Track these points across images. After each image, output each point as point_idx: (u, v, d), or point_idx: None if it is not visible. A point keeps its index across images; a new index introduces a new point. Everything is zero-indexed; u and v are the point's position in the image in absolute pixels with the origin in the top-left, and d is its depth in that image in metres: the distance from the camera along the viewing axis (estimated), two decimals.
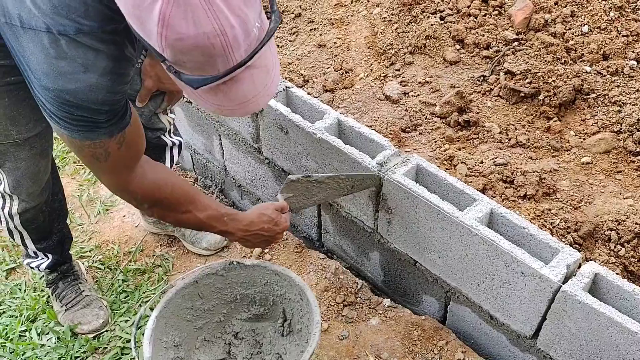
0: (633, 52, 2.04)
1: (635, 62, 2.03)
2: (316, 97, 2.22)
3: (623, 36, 2.07)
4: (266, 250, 2.07)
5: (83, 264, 2.13)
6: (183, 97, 1.84)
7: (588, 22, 2.11)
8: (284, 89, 1.95)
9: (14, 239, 1.81)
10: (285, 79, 2.34)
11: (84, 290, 1.96)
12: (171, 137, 1.96)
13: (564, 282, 1.40)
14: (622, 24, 2.08)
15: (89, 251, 2.21)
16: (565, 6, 2.15)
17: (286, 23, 2.69)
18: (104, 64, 1.08)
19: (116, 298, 2.01)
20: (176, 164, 2.54)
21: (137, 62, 1.61)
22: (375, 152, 1.74)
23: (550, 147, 1.99)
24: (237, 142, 2.22)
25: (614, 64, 2.03)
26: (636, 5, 2.10)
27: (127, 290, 2.04)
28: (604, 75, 2.03)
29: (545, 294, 1.43)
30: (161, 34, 0.90)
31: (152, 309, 1.55)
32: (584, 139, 1.98)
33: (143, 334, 1.49)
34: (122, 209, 2.37)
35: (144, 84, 1.67)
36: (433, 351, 1.67)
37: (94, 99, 1.10)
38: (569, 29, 2.13)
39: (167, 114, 1.86)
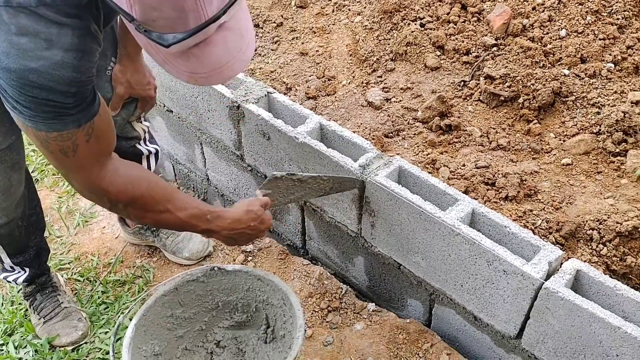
0: (610, 54, 2.07)
1: (612, 65, 2.06)
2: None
3: (600, 39, 2.10)
4: (249, 258, 2.04)
5: (62, 276, 2.09)
6: (156, 103, 1.82)
7: (565, 26, 2.14)
8: (265, 95, 1.95)
9: None
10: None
11: (62, 302, 1.91)
12: (147, 146, 1.93)
13: (546, 279, 1.40)
14: (598, 27, 2.11)
15: (68, 263, 2.17)
16: (543, 11, 2.18)
17: (268, 32, 2.69)
18: (69, 39, 1.02)
19: (95, 310, 1.97)
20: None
21: (109, 61, 1.58)
22: (357, 155, 1.74)
23: (530, 150, 2.00)
24: (219, 150, 2.20)
25: (592, 66, 2.06)
26: (612, 9, 2.13)
27: (107, 301, 2.00)
28: (582, 78, 2.06)
29: (527, 292, 1.43)
30: None
31: (131, 319, 1.51)
32: (564, 141, 1.99)
33: (122, 344, 1.45)
34: (102, 221, 2.33)
35: (115, 92, 1.65)
36: (418, 354, 1.65)
37: (59, 78, 1.03)
38: (547, 33, 2.15)
39: (141, 122, 1.84)
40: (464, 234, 1.49)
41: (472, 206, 1.57)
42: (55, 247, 2.23)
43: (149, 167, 1.97)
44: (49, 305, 1.90)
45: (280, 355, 1.59)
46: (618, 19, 2.12)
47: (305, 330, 1.46)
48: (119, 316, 1.92)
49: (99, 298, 2.01)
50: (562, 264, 1.45)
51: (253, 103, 1.91)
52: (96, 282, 2.07)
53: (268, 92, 1.95)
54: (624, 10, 2.13)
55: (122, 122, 1.76)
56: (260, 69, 2.52)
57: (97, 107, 1.16)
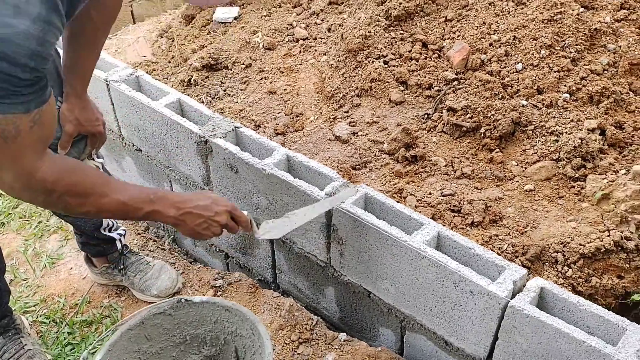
0: (565, 85, 2.16)
1: (568, 95, 2.15)
2: None
3: (555, 72, 2.19)
4: (219, 293, 2.01)
5: (27, 319, 2.03)
6: (105, 139, 1.82)
7: (521, 60, 2.23)
8: (233, 129, 1.98)
9: None
10: None
11: (26, 344, 1.85)
12: None
13: (511, 298, 1.41)
14: (553, 60, 2.21)
15: (34, 305, 2.11)
16: (500, 47, 2.28)
17: (237, 73, 2.75)
18: (37, 9, 0.99)
19: (61, 351, 1.91)
20: None
21: (55, 100, 1.59)
22: (324, 184, 1.76)
23: (494, 177, 2.05)
24: (188, 186, 2.21)
25: (549, 97, 2.14)
26: (564, 43, 2.24)
27: (73, 342, 1.94)
28: (540, 108, 2.14)
29: (494, 311, 1.44)
30: None
31: (94, 354, 1.47)
32: (525, 168, 2.05)
33: None
34: (69, 262, 2.29)
35: (64, 130, 1.65)
36: None
37: (22, 50, 0.98)
38: (504, 67, 2.25)
39: (93, 159, 1.83)
40: (430, 257, 1.51)
41: (437, 230, 1.59)
42: (20, 289, 2.17)
43: None
44: (12, 348, 1.83)
45: None
46: (571, 52, 2.23)
47: (272, 357, 1.43)
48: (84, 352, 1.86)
49: (65, 339, 1.95)
50: (526, 282, 1.47)
51: (221, 137, 1.93)
52: (62, 323, 2.02)
53: (235, 127, 1.98)
54: (576, 44, 2.25)
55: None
56: (229, 108, 2.56)
57: (48, 96, 1.12)
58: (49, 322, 2.04)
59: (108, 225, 1.99)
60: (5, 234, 2.44)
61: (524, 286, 1.45)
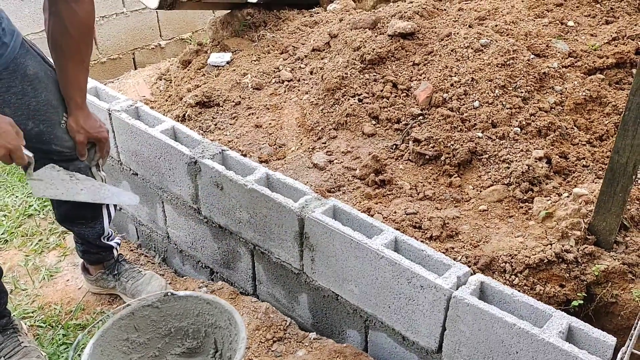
0: (516, 120, 2.44)
1: (519, 129, 2.42)
2: None
3: (507, 108, 2.48)
4: None
5: (25, 323, 2.20)
6: (110, 147, 2.02)
7: (478, 98, 2.52)
8: (220, 152, 2.23)
9: None
10: None
11: (22, 342, 2.02)
12: None
13: (455, 290, 1.63)
14: (505, 99, 2.50)
15: (32, 312, 2.29)
16: (459, 87, 2.57)
17: (227, 110, 3.03)
18: None
19: (56, 350, 2.08)
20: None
21: (61, 116, 1.82)
22: (298, 197, 2.00)
23: (452, 199, 2.30)
24: (178, 206, 2.43)
25: (502, 130, 2.42)
26: (516, 84, 2.54)
27: (67, 342, 2.11)
28: (494, 140, 2.41)
29: (441, 303, 1.65)
30: None
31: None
32: (480, 191, 2.30)
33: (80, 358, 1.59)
34: (66, 274, 2.49)
35: (76, 141, 1.87)
36: None
37: None
38: (463, 104, 2.53)
39: (99, 171, 2.06)
40: (387, 257, 1.73)
41: (394, 235, 1.82)
42: (20, 298, 2.36)
43: (109, 215, 2.17)
44: (9, 345, 2.00)
45: None
46: (522, 92, 2.52)
47: (247, 343, 1.62)
48: (79, 355, 2.03)
49: (59, 340, 2.12)
50: (469, 278, 1.69)
51: (209, 158, 2.18)
52: (58, 327, 2.19)
53: (222, 150, 2.23)
54: (527, 85, 2.54)
55: (85, 169, 1.95)
56: (219, 139, 2.82)
57: None
58: (46, 326, 2.21)
59: (108, 234, 2.20)
60: (8, 250, 2.64)
61: (466, 280, 1.67)
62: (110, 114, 2.48)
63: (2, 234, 2.68)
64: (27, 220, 2.80)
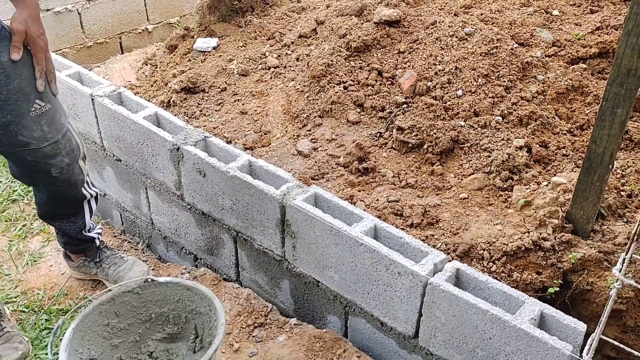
0: (498, 109, 2.46)
1: (500, 118, 2.44)
2: None
3: (490, 98, 2.49)
4: None
5: (8, 308, 2.21)
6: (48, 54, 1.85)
7: (461, 87, 2.54)
8: (203, 139, 2.23)
9: None
10: None
11: (5, 327, 2.04)
12: (89, 189, 2.11)
13: (432, 277, 1.65)
14: (488, 88, 2.52)
15: (15, 297, 2.30)
16: (443, 75, 2.59)
17: (213, 96, 3.02)
18: None
19: (38, 334, 2.09)
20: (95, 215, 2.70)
21: (32, 103, 1.70)
22: (280, 185, 2.01)
23: (434, 187, 2.32)
24: (161, 192, 2.44)
25: (484, 119, 2.44)
26: (499, 74, 2.55)
27: (50, 327, 2.13)
28: (476, 129, 2.43)
29: (417, 289, 1.68)
30: None
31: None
32: (461, 180, 2.32)
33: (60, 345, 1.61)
34: (50, 260, 2.49)
35: (13, 28, 1.69)
36: (332, 359, 1.85)
37: None
38: (447, 93, 2.54)
39: (91, 187, 2.05)
40: (366, 244, 1.75)
41: (374, 222, 1.84)
42: (3, 283, 2.36)
43: (90, 209, 2.16)
44: None
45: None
46: (504, 81, 2.54)
47: (226, 328, 1.64)
48: (60, 339, 2.04)
49: (42, 325, 2.13)
50: (445, 265, 1.71)
51: (192, 145, 2.18)
52: (40, 312, 2.20)
53: (205, 137, 2.24)
54: (509, 75, 2.56)
55: (65, 167, 1.91)
56: (204, 126, 2.82)
57: None
58: (29, 311, 2.22)
59: (89, 227, 2.21)
60: None
61: (443, 267, 1.70)
62: (93, 99, 2.47)
63: None
64: (10, 205, 2.79)
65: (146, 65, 3.61)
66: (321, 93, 2.77)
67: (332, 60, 2.82)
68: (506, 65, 2.57)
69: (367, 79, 2.73)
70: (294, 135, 2.70)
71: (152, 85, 3.30)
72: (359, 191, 2.34)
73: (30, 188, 2.78)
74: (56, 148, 1.86)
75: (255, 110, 2.88)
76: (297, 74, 2.97)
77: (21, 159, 1.85)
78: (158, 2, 4.26)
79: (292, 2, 3.63)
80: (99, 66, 3.99)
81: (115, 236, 2.63)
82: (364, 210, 2.21)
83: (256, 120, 2.83)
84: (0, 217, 2.75)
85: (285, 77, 3.01)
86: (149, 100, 3.13)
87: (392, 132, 2.53)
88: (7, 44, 1.72)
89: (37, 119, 1.79)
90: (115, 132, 2.46)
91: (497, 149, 2.34)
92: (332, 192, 2.36)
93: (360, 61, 2.82)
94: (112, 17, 4.01)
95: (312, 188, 1.99)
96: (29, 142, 1.80)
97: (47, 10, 3.64)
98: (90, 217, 2.16)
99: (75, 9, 3.79)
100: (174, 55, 3.48)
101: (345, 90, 2.72)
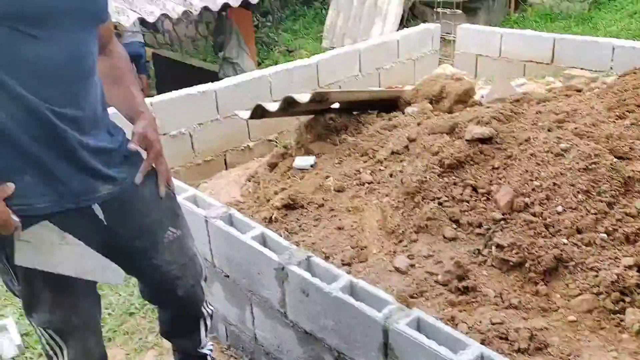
0: (602, 226, 2.40)
1: (605, 235, 2.38)
2: None
3: (592, 214, 2.45)
4: None
5: None
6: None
7: (561, 203, 2.52)
8: (306, 258, 2.35)
9: None
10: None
11: None
12: (207, 308, 2.26)
13: None
14: (590, 204, 2.48)
15: None
16: (541, 191, 2.59)
17: (311, 212, 3.18)
18: None
19: None
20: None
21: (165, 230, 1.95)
22: (381, 307, 2.05)
23: (539, 308, 2.26)
24: (266, 308, 2.55)
25: (587, 236, 2.39)
26: (600, 189, 2.52)
27: None
28: (580, 247, 2.37)
29: None
30: None
31: None
32: (569, 300, 2.25)
33: None
34: None
35: (134, 130, 1.86)
36: None
37: None
38: (546, 209, 2.53)
39: (205, 284, 2.20)
40: None
41: (480, 350, 1.82)
42: None
43: (206, 326, 2.30)
44: None
45: None
46: (606, 197, 2.50)
47: None
48: None
49: None
50: None
51: (295, 265, 2.30)
52: None
53: (308, 256, 2.35)
54: (611, 190, 2.52)
55: (190, 287, 2.07)
56: (303, 241, 2.96)
57: None
58: None
59: (204, 344, 2.33)
60: (111, 348, 2.83)
61: None
62: (207, 220, 2.69)
63: (106, 332, 2.89)
64: (128, 318, 3.00)
65: (249, 181, 3.88)
66: (416, 209, 2.84)
67: (425, 177, 2.91)
68: (607, 181, 2.54)
69: (461, 194, 2.79)
70: (390, 251, 2.76)
71: (255, 201, 3.54)
72: (460, 311, 2.32)
73: (147, 302, 3.00)
74: (184, 270, 2.03)
75: (352, 226, 2.99)
76: (391, 190, 3.08)
77: (151, 280, 2.04)
78: (258, 121, 4.64)
79: (384, 120, 3.84)
80: (206, 182, 4.33)
81: (222, 351, 2.74)
82: (467, 332, 2.18)
83: (352, 236, 2.93)
84: (119, 330, 2.96)
85: (379, 192, 3.13)
86: (252, 216, 3.35)
87: (490, 249, 2.53)
88: (150, 179, 1.91)
89: (169, 245, 1.97)
90: (225, 250, 2.65)
91: (604, 268, 2.27)
92: (431, 311, 2.36)
93: (454, 177, 2.89)
94: (219, 137, 4.40)
95: (415, 311, 2.01)
96: (160, 264, 1.98)
97: (164, 134, 4.07)
98: (206, 334, 2.29)
99: (187, 132, 4.21)
100: (275, 173, 3.73)
101: (440, 206, 2.78)
